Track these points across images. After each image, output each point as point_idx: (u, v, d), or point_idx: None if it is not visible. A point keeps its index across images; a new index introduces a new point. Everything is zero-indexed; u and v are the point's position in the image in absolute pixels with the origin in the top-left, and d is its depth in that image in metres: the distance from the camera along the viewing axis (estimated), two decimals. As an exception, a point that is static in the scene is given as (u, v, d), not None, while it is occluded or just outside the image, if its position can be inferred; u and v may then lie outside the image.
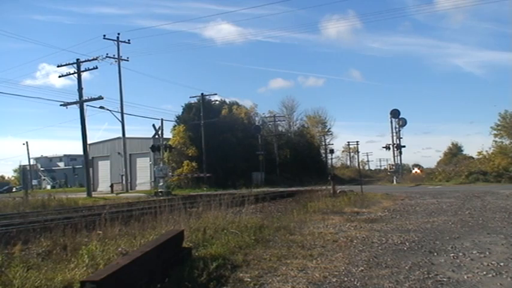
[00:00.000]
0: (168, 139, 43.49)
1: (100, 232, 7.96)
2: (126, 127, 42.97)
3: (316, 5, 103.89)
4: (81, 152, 38.53)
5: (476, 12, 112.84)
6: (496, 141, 42.10)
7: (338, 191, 20.48)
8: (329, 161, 70.60)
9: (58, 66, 35.93)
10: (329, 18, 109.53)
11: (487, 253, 6.67)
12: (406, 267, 5.88)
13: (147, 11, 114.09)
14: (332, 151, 68.88)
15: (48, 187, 71.05)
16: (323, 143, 74.59)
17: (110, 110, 39.09)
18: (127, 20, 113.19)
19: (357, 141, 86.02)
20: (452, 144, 70.80)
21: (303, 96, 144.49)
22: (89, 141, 38.25)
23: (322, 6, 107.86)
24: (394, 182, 41.68)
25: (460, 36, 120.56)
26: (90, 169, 41.30)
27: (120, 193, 37.26)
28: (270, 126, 61.19)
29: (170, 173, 39.44)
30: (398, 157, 45.70)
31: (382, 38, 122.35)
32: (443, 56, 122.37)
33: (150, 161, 45.81)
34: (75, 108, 34.75)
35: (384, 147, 46.23)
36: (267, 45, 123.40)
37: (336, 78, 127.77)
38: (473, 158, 46.51)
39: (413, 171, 44.69)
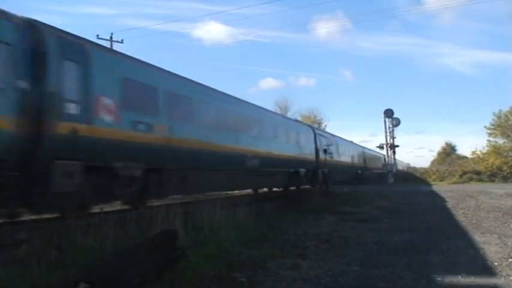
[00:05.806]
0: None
1: (95, 231, 7.91)
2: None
3: (306, 5, 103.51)
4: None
5: (467, 11, 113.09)
6: (490, 141, 42.50)
7: (332, 190, 20.52)
8: (324, 160, 70.58)
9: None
10: (319, 18, 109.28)
11: (481, 252, 6.72)
12: (400, 267, 5.90)
13: (137, 10, 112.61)
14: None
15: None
16: (317, 142, 74.52)
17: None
18: (118, 20, 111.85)
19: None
20: (446, 144, 71.36)
21: (295, 96, 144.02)
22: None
23: (313, 7, 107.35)
24: (389, 182, 41.77)
25: (450, 36, 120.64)
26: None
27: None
28: (264, 125, 61.02)
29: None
30: (392, 156, 45.89)
31: (373, 37, 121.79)
32: (434, 56, 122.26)
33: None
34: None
35: (377, 147, 46.39)
36: (257, 45, 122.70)
37: (328, 78, 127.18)
38: (467, 157, 46.84)
39: None
